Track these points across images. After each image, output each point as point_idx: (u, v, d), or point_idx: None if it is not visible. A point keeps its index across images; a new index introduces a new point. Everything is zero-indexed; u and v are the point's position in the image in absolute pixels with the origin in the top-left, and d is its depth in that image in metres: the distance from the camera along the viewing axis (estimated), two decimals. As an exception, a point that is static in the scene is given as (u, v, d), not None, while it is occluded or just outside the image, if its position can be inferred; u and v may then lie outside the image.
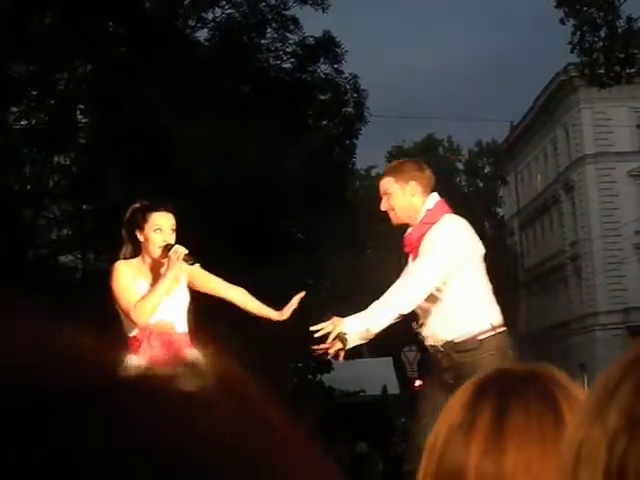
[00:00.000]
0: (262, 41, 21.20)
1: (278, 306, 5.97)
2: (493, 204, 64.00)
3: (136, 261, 5.87)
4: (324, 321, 5.35)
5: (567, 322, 49.52)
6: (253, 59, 21.14)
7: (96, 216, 20.20)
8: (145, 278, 5.83)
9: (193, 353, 5.74)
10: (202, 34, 20.95)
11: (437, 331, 5.49)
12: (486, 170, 66.14)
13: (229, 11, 20.40)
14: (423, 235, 5.46)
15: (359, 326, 5.23)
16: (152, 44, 17.41)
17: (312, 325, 5.36)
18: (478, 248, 5.60)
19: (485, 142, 66.06)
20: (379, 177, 5.84)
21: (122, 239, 5.96)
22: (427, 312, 5.54)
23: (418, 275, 5.33)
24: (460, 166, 67.11)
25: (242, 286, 6.04)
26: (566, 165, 50.13)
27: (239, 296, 6.07)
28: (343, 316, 5.31)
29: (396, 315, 5.28)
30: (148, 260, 5.83)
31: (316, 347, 5.39)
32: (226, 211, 17.26)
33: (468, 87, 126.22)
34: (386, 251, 52.00)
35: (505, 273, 53.13)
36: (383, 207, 5.66)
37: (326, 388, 30.96)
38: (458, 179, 66.54)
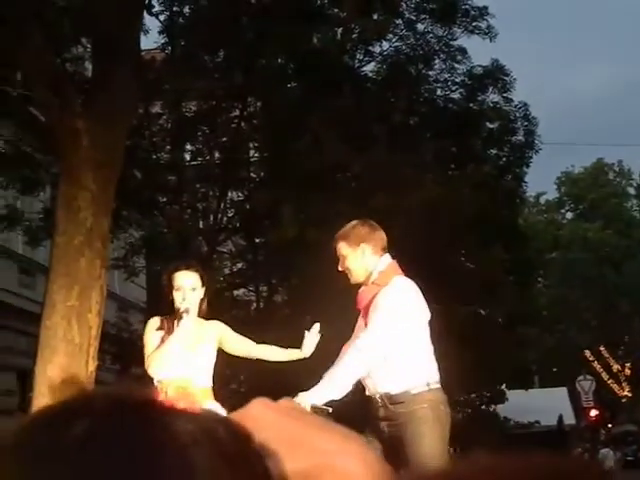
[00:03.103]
0: (430, 72, 21.17)
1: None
2: (667, 228, 62.15)
3: (165, 318, 6.44)
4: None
5: None
6: (421, 90, 21.14)
7: (269, 250, 20.51)
8: (165, 335, 6.36)
9: (211, 406, 6.13)
10: (369, 67, 21.09)
11: (377, 383, 5.92)
12: (659, 194, 64.41)
13: (396, 44, 20.46)
14: (374, 296, 5.91)
15: (307, 402, 5.61)
16: (322, 79, 17.61)
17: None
18: (423, 312, 5.99)
19: (658, 165, 64.38)
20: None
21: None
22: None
23: (360, 353, 5.76)
24: (631, 190, 65.56)
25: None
26: None
27: (266, 352, 6.67)
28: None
29: (340, 391, 5.73)
30: (176, 317, 6.36)
31: None
32: (399, 245, 17.22)
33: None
34: (559, 281, 51.13)
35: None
36: (340, 268, 6.12)
37: (501, 419, 30.57)
38: (629, 204, 65.01)
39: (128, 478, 0.69)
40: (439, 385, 5.96)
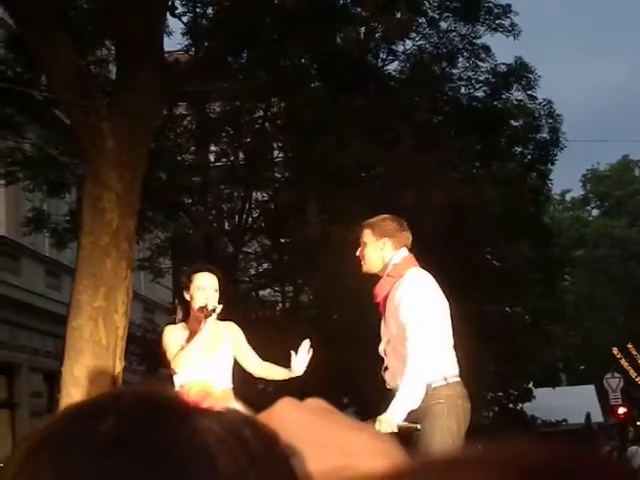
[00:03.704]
0: (453, 70, 21.11)
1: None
2: (694, 225, 61.71)
3: (182, 324, 6.54)
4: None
5: None
6: (445, 89, 21.09)
7: (294, 249, 20.52)
8: (189, 337, 6.44)
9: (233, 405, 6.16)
10: (393, 66, 21.04)
11: (396, 377, 5.91)
12: (686, 190, 63.91)
13: (420, 42, 20.41)
14: (391, 288, 5.98)
15: (393, 423, 5.68)
16: (345, 78, 17.59)
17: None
18: (441, 302, 6.02)
19: (685, 161, 63.84)
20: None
21: (176, 305, 6.81)
22: (389, 358, 6.04)
23: (417, 358, 5.74)
24: (658, 187, 65.06)
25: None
26: None
27: (264, 372, 6.75)
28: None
29: (416, 402, 5.75)
30: (193, 321, 6.46)
31: None
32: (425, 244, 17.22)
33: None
34: (585, 278, 50.88)
35: None
36: (358, 253, 6.23)
37: (528, 417, 30.46)
38: (657, 200, 64.55)
39: (153, 476, 0.70)
40: (458, 379, 5.97)
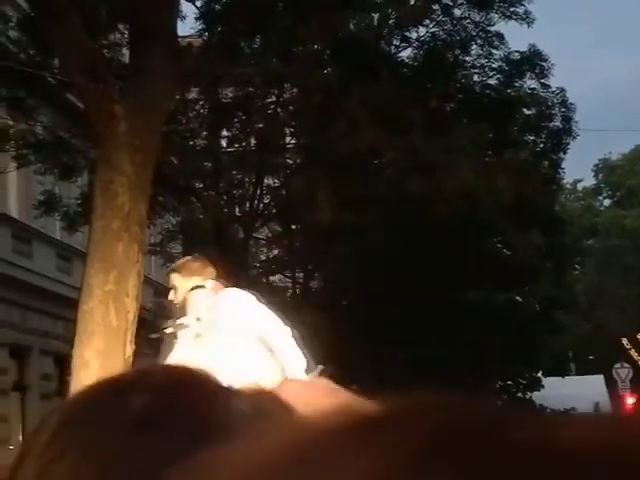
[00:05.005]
0: (467, 58, 21.06)
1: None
2: None
3: None
4: None
5: None
6: (458, 76, 21.03)
7: (305, 235, 20.52)
8: None
9: None
10: (406, 53, 21.00)
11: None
12: (698, 180, 63.65)
13: (433, 29, 20.35)
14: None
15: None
16: (358, 65, 17.56)
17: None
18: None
19: (697, 152, 63.56)
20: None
21: None
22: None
23: (283, 335, 6.00)
24: (670, 177, 64.79)
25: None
26: None
27: None
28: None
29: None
30: None
31: None
32: (434, 233, 17.23)
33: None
34: (595, 268, 50.76)
35: None
36: (170, 297, 6.49)
37: (537, 406, 30.45)
38: (668, 191, 64.31)
39: (184, 455, 0.69)
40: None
